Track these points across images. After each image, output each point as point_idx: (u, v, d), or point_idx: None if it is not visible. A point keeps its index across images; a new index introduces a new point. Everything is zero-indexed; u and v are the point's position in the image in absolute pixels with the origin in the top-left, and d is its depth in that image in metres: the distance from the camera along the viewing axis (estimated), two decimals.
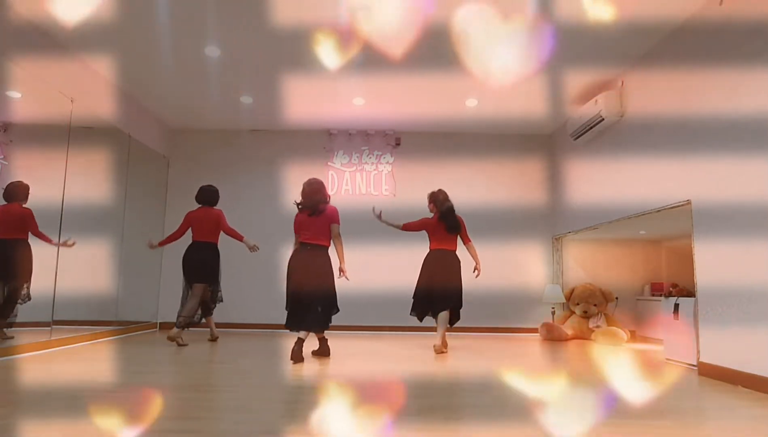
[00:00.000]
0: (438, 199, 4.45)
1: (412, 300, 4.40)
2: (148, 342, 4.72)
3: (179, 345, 4.38)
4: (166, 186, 6.19)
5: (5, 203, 3.87)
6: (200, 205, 4.71)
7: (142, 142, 5.60)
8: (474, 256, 4.38)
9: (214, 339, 4.84)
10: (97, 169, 5.05)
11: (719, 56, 3.28)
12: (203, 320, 4.75)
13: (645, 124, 4.17)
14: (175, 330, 4.36)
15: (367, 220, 6.11)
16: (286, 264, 3.89)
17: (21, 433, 1.85)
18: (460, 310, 4.38)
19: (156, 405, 2.30)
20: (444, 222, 4.36)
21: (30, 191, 3.98)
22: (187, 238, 4.68)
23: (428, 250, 4.44)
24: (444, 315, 4.25)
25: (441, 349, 4.22)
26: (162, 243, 4.74)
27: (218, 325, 5.80)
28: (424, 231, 4.49)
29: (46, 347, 3.97)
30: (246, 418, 2.11)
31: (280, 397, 2.56)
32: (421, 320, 4.45)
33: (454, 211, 4.41)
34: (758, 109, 2.93)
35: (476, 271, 4.36)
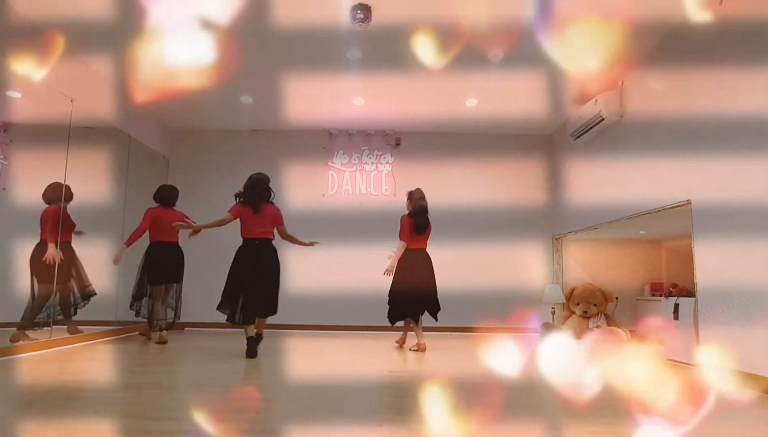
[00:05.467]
0: (413, 197, 4.54)
1: (388, 304, 4.44)
2: (148, 342, 4.71)
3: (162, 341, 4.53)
4: None
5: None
6: (159, 205, 4.74)
7: (142, 142, 5.60)
8: None
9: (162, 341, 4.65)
10: (97, 169, 5.05)
11: (719, 56, 3.28)
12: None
13: (645, 124, 4.17)
14: (164, 333, 4.55)
15: (366, 220, 6.14)
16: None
17: (21, 433, 1.84)
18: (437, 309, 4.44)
19: (156, 405, 2.30)
20: (413, 220, 4.42)
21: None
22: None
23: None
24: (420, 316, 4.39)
25: (424, 347, 4.28)
26: (129, 243, 4.55)
27: (216, 325, 5.81)
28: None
29: (46, 347, 3.97)
30: (246, 418, 2.11)
31: (281, 397, 2.56)
32: (393, 324, 4.49)
33: (425, 210, 4.46)
34: (758, 109, 2.93)
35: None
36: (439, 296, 4.45)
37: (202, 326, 5.78)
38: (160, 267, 4.62)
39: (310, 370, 3.38)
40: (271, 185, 4.07)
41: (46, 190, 4.15)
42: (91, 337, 4.65)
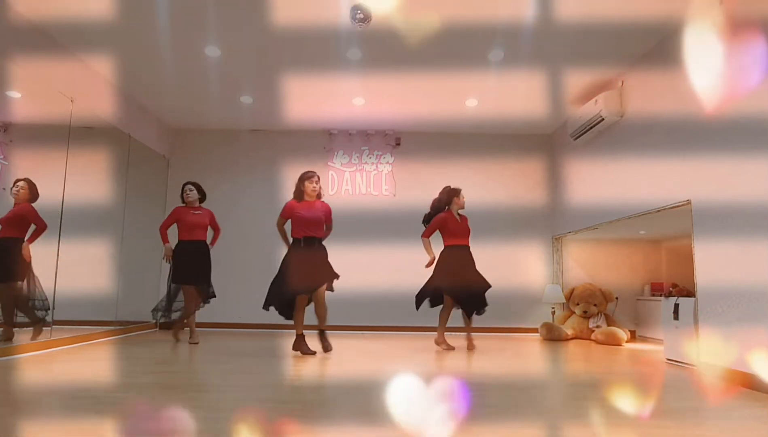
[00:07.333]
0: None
1: (420, 293, 4.47)
2: (148, 342, 4.72)
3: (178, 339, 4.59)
4: (166, 186, 6.18)
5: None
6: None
7: (142, 142, 5.60)
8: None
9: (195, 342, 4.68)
10: (97, 169, 5.05)
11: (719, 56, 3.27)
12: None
13: (645, 124, 4.17)
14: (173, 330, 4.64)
15: (367, 220, 6.14)
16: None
17: (21, 433, 1.84)
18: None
19: (156, 405, 2.30)
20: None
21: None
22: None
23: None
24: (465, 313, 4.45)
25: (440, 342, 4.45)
26: (164, 239, 4.66)
27: (217, 325, 5.82)
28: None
29: (46, 347, 3.97)
30: (247, 418, 2.11)
31: (281, 398, 2.56)
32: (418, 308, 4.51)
33: (432, 209, 4.64)
34: (758, 109, 2.93)
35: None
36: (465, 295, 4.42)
37: (204, 326, 5.77)
38: (175, 267, 4.62)
39: (310, 371, 3.37)
40: (297, 182, 4.28)
41: (32, 189, 4.01)
42: (91, 337, 4.65)
